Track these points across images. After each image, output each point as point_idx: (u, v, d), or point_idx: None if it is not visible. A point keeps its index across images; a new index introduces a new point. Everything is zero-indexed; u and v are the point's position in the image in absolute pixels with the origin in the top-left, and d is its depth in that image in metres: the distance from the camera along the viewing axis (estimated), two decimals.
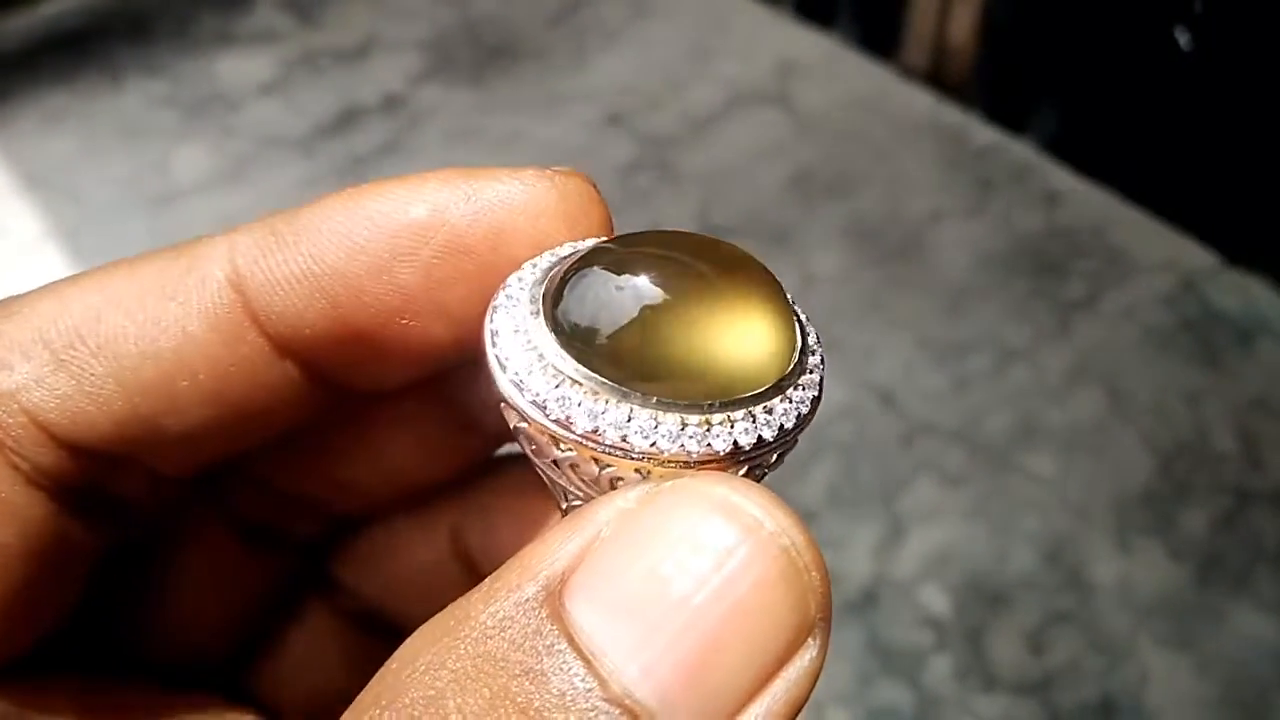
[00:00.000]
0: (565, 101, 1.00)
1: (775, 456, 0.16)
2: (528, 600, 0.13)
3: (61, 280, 0.18)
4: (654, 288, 0.15)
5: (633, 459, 0.15)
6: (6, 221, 0.88)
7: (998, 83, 0.96)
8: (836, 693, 0.61)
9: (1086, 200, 0.89)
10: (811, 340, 0.17)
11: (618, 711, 0.12)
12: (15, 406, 0.17)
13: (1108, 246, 0.85)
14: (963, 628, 0.64)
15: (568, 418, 0.15)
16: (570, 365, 0.15)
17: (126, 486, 0.19)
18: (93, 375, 0.17)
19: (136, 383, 0.17)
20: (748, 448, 0.15)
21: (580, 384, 0.15)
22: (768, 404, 0.15)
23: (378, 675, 0.14)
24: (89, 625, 0.20)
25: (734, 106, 0.98)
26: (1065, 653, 0.63)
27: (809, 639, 0.13)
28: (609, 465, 0.15)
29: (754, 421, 0.15)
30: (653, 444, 0.15)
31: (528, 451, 0.16)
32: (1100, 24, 0.87)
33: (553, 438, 0.15)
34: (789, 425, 0.16)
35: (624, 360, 0.15)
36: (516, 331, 0.16)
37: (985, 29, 0.96)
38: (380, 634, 0.23)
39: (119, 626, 0.21)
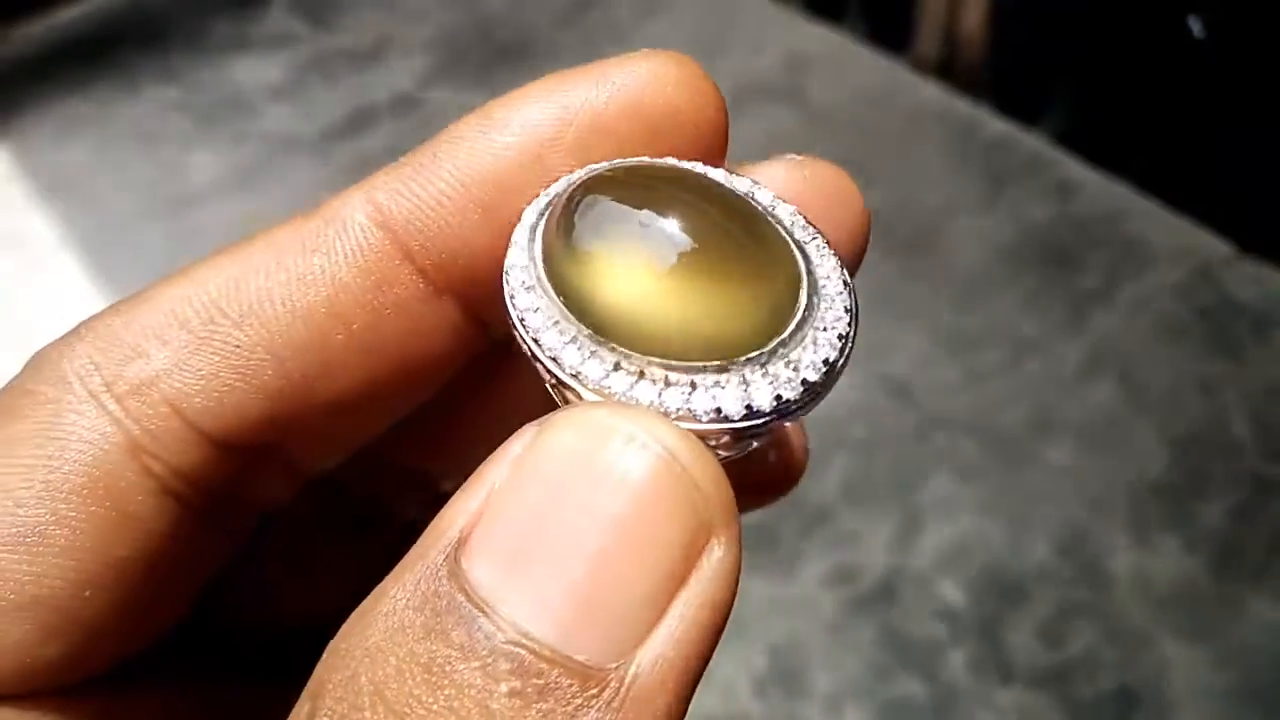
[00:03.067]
0: None
1: (757, 438, 0.16)
2: (430, 567, 0.13)
3: (191, 264, 0.17)
4: (681, 234, 0.15)
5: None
6: (23, 230, 0.88)
7: (1009, 74, 0.96)
8: (852, 686, 0.61)
9: (1100, 191, 0.89)
10: (834, 282, 0.16)
11: (521, 652, 0.12)
12: (155, 397, 0.16)
13: (1122, 237, 0.85)
14: (979, 620, 0.64)
15: (605, 388, 0.15)
16: (582, 332, 0.15)
17: (265, 488, 0.18)
18: (238, 347, 0.16)
19: (288, 345, 0.16)
20: (794, 401, 0.15)
21: (614, 349, 0.15)
22: (789, 357, 0.15)
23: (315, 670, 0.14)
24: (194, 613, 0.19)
25: (744, 102, 0.98)
26: (1082, 644, 0.62)
27: (711, 542, 0.13)
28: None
29: (796, 370, 0.15)
30: (689, 409, 0.14)
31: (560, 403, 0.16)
32: (1112, 13, 0.87)
33: (554, 382, 0.15)
34: (814, 378, 0.15)
35: (653, 318, 0.15)
36: (532, 292, 0.15)
37: (996, 20, 0.95)
38: None
39: (223, 608, 0.20)
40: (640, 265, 0.14)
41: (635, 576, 0.13)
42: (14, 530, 0.15)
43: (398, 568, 0.13)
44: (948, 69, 0.99)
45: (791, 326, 0.15)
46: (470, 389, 0.20)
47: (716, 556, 0.13)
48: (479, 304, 0.18)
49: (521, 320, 0.15)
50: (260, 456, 0.17)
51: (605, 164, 0.17)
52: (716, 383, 0.14)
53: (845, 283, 0.17)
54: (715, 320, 0.15)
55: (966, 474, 0.70)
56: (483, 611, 0.12)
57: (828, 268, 0.17)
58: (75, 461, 0.16)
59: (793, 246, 0.16)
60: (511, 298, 0.15)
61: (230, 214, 0.90)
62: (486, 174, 0.17)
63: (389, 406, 0.18)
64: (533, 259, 0.15)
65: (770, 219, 0.17)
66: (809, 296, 0.16)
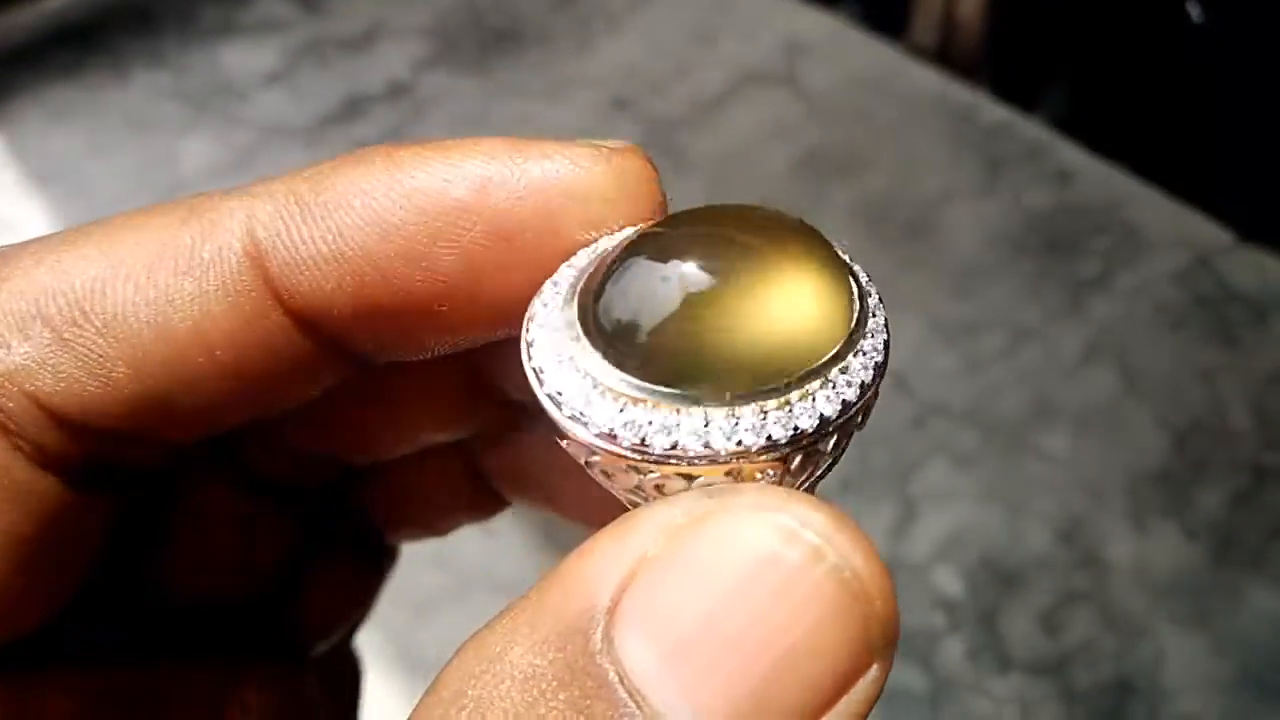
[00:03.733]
0: (570, 86, 0.99)
1: (860, 417, 0.15)
2: (576, 631, 0.12)
3: (52, 239, 0.17)
4: (700, 272, 0.14)
5: (721, 463, 0.14)
6: (14, 218, 0.88)
7: (1007, 60, 0.95)
8: None
9: (1098, 178, 0.88)
10: (873, 301, 0.16)
11: None
12: (14, 389, 0.16)
13: (1120, 224, 0.85)
14: (976, 609, 0.63)
15: (642, 440, 0.14)
16: (624, 381, 0.14)
17: (138, 457, 0.18)
18: (100, 356, 0.16)
19: (148, 362, 0.16)
20: (834, 416, 0.14)
21: (643, 400, 0.14)
22: (841, 364, 0.15)
23: (421, 702, 0.13)
24: (102, 580, 0.19)
25: (740, 88, 0.98)
26: (1080, 633, 0.62)
27: (869, 668, 0.13)
28: (698, 475, 0.14)
29: (833, 388, 0.14)
30: (739, 442, 0.14)
31: (600, 480, 0.15)
32: None
33: (632, 465, 0.14)
34: (868, 380, 0.15)
35: (680, 358, 0.14)
36: (560, 360, 0.14)
37: (993, 6, 0.95)
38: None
39: (133, 578, 0.20)
40: (662, 313, 0.14)
41: (797, 703, 0.12)
42: None
43: (518, 607, 0.13)
44: (945, 55, 0.99)
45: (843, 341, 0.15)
46: (363, 388, 0.20)
47: (869, 681, 0.13)
48: (344, 345, 0.17)
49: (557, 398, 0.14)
50: (127, 437, 0.17)
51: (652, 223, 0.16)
52: (786, 404, 0.14)
53: (881, 303, 0.16)
54: (762, 344, 0.14)
55: (964, 462, 0.70)
56: (636, 701, 0.12)
57: (872, 296, 0.16)
58: None
59: (844, 266, 0.16)
60: (539, 372, 0.15)
61: None
62: (367, 252, 0.16)
63: (253, 412, 0.18)
64: (564, 331, 0.15)
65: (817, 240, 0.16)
66: (859, 312, 0.16)
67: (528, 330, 0.15)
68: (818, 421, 0.14)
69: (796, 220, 0.16)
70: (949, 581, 0.64)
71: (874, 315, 0.16)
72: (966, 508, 0.68)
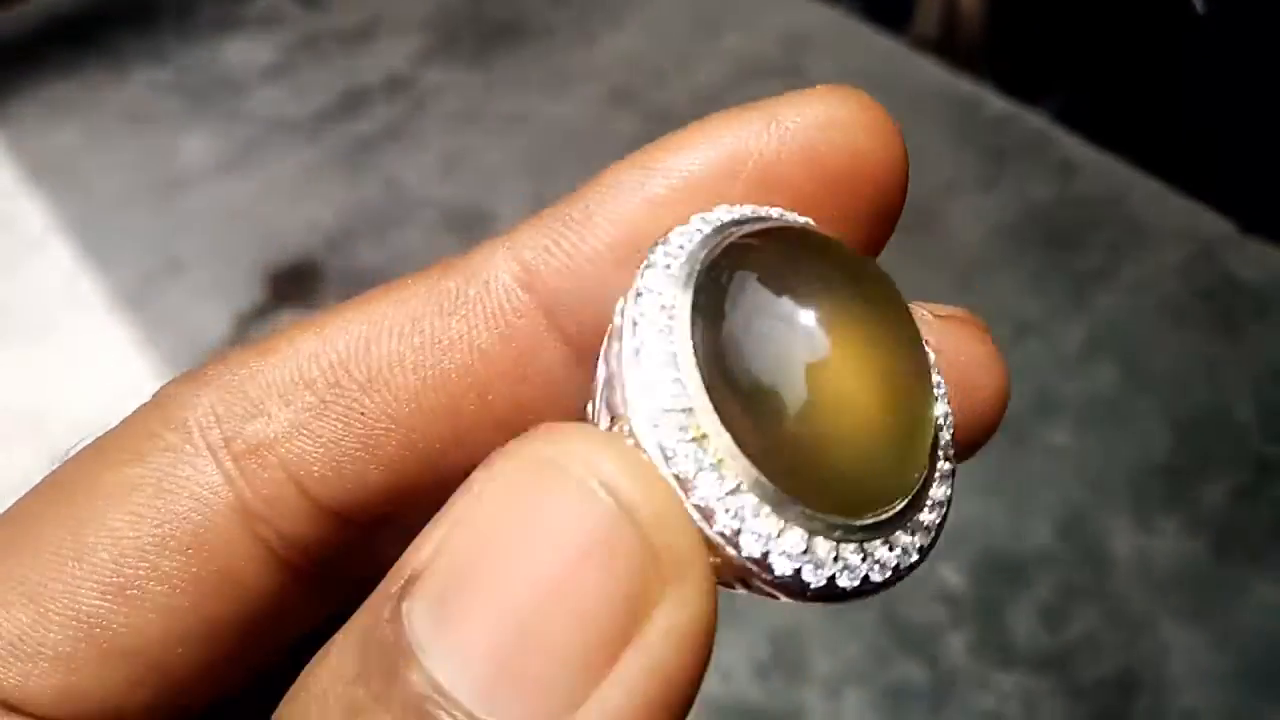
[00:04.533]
0: (571, 79, 0.99)
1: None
2: (377, 603, 0.12)
3: (322, 313, 0.16)
4: (819, 331, 0.13)
5: (805, 599, 0.13)
6: (13, 214, 0.88)
7: (1010, 52, 0.95)
8: (852, 670, 0.61)
9: (1101, 170, 0.88)
10: (941, 410, 0.15)
11: (433, 710, 0.11)
12: (272, 460, 0.15)
13: (1123, 217, 0.84)
14: (979, 603, 0.63)
15: (735, 533, 0.13)
16: (737, 459, 0.13)
17: (378, 556, 0.16)
18: (363, 413, 0.15)
19: (416, 414, 0.15)
20: (903, 570, 0.14)
21: (746, 491, 0.13)
22: (910, 522, 0.14)
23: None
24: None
25: (742, 81, 0.97)
26: (1083, 627, 0.62)
27: (662, 604, 0.12)
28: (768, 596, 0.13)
29: (902, 548, 0.14)
30: (830, 578, 0.13)
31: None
32: None
33: (710, 540, 0.13)
34: (925, 543, 0.14)
35: (795, 456, 0.13)
36: (674, 390, 0.13)
37: None
38: None
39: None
40: (793, 394, 0.13)
41: (566, 641, 0.11)
42: (116, 580, 0.14)
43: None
44: (947, 47, 0.98)
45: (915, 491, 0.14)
46: None
47: (665, 619, 0.12)
48: None
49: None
50: (375, 526, 0.16)
51: (736, 217, 0.15)
52: (887, 543, 0.13)
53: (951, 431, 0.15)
54: (867, 463, 0.13)
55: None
56: (410, 658, 0.11)
57: (943, 407, 0.15)
58: (184, 518, 0.15)
59: (929, 364, 0.15)
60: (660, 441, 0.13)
61: (222, 195, 0.89)
62: (645, 230, 0.15)
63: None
64: (683, 373, 0.13)
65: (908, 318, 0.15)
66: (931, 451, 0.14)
67: (638, 297, 0.13)
68: (888, 577, 0.14)
69: (883, 275, 0.15)
70: (951, 575, 0.64)
71: (941, 459, 0.15)
72: (969, 501, 0.68)
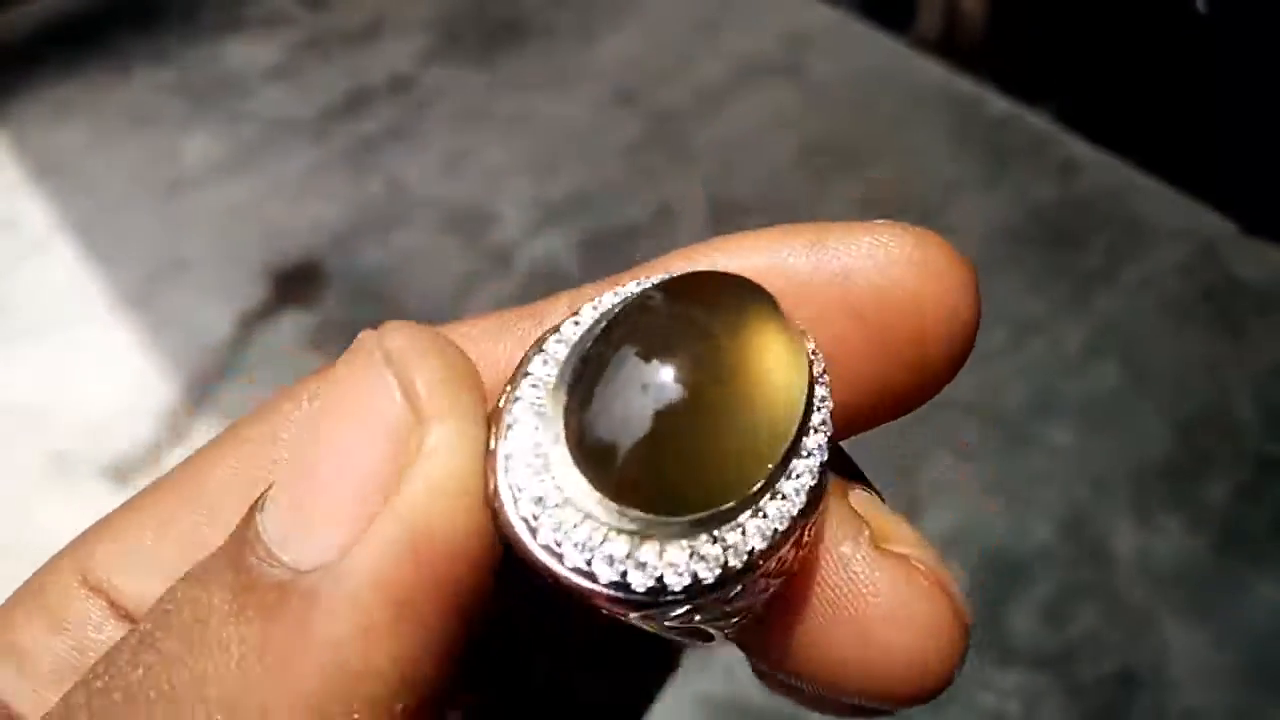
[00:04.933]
0: (573, 79, 0.99)
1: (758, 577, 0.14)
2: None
3: None
4: (675, 384, 0.13)
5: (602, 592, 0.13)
6: (17, 214, 0.88)
7: (1011, 52, 0.95)
8: None
9: (1103, 170, 0.88)
10: (819, 418, 0.15)
11: (248, 551, 0.13)
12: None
13: (1125, 216, 0.84)
14: (980, 602, 0.63)
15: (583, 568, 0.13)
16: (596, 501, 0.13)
17: None
18: None
19: None
20: (710, 580, 0.13)
21: (602, 524, 0.13)
22: (730, 525, 0.14)
23: None
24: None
25: (744, 80, 0.97)
26: (1084, 626, 0.62)
27: (419, 449, 0.12)
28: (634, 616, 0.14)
29: (703, 552, 0.13)
30: (624, 575, 0.13)
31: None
32: None
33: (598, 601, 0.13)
34: (759, 546, 0.14)
35: (628, 479, 0.13)
36: (536, 459, 0.13)
37: None
38: None
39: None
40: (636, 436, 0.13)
41: (339, 493, 0.12)
42: None
43: None
44: (949, 47, 0.98)
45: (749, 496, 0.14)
46: None
47: (418, 474, 0.12)
48: None
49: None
50: None
51: (647, 287, 0.15)
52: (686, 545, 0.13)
53: (822, 466, 0.15)
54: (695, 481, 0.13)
55: (968, 455, 0.70)
56: (251, 517, 0.13)
57: (814, 442, 0.15)
58: None
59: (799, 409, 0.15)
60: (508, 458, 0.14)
61: (226, 196, 0.89)
62: None
63: None
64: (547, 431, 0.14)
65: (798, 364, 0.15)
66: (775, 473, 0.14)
67: (512, 403, 0.14)
68: (688, 581, 0.13)
69: (769, 301, 0.15)
70: (953, 574, 0.64)
71: (807, 448, 0.15)
72: (970, 501, 0.68)
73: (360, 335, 0.14)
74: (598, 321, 0.14)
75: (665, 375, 0.13)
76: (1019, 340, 0.76)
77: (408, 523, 0.12)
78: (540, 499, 0.13)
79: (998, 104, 0.94)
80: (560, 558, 0.13)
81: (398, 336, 0.13)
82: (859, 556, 0.15)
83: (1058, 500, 0.67)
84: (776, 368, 0.14)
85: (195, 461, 0.17)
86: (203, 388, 0.75)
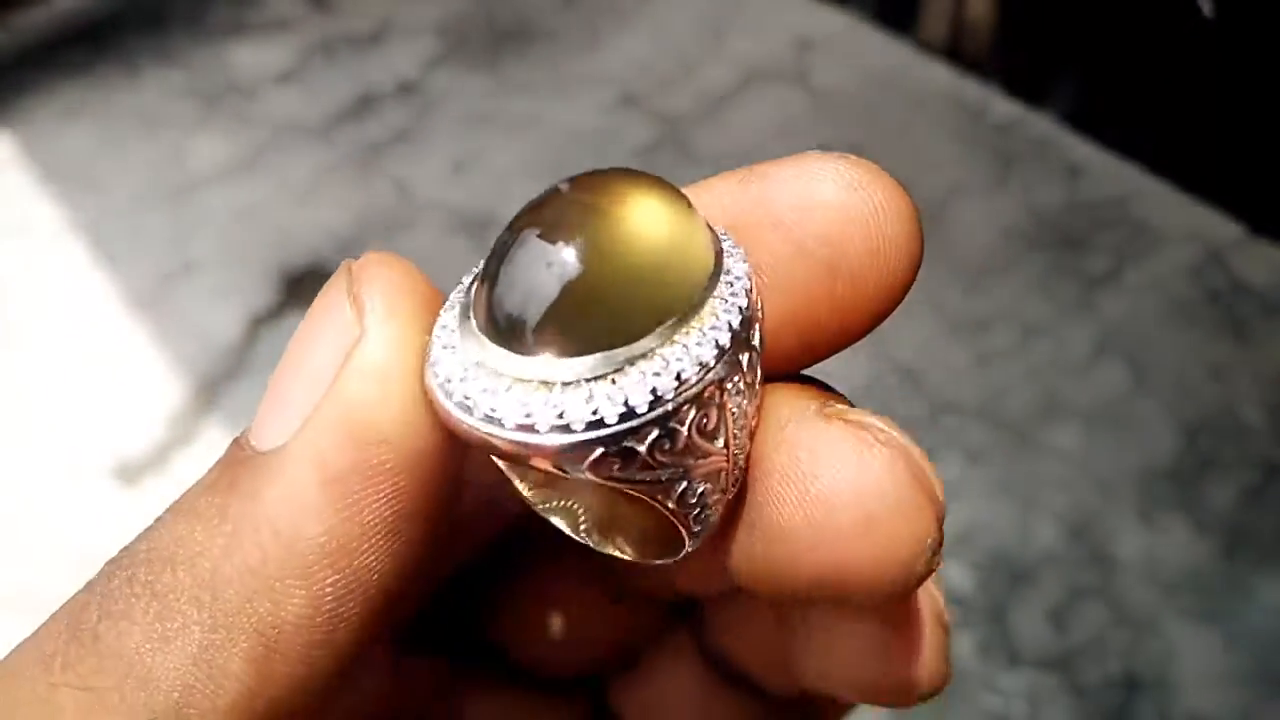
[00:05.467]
0: (580, 84, 0.99)
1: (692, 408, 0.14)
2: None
3: None
4: (575, 262, 0.14)
5: (518, 442, 0.14)
6: (28, 216, 0.88)
7: (1017, 55, 0.95)
8: None
9: (1109, 173, 0.88)
10: (733, 263, 0.15)
11: (236, 444, 0.15)
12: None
13: (1131, 219, 0.84)
14: (986, 604, 0.63)
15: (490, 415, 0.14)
16: (512, 363, 0.14)
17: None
18: None
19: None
20: (643, 408, 0.13)
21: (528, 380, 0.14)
22: (662, 352, 0.14)
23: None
24: (455, 620, 0.20)
25: (750, 84, 0.98)
26: (1089, 628, 0.62)
27: (364, 323, 0.14)
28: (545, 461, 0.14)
29: (645, 374, 0.14)
30: (529, 422, 0.13)
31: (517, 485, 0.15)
32: None
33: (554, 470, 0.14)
34: (724, 341, 0.14)
35: (559, 343, 0.14)
36: (446, 348, 0.14)
37: (1004, 2, 0.94)
38: (735, 685, 0.21)
39: (489, 628, 0.21)
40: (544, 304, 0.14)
41: (293, 384, 0.14)
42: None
43: None
44: (955, 50, 0.99)
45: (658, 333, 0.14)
46: None
47: (352, 362, 0.14)
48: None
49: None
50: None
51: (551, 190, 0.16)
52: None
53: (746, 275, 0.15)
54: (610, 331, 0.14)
55: (974, 458, 0.70)
56: (246, 430, 0.15)
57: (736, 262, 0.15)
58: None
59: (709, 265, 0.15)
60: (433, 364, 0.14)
61: (234, 198, 0.89)
62: None
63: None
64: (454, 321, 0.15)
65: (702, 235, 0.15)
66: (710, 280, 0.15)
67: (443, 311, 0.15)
68: (621, 412, 0.13)
69: (667, 187, 0.15)
70: (959, 576, 0.64)
71: (721, 297, 0.15)
72: (977, 503, 0.68)
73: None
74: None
75: (566, 252, 0.14)
76: (1024, 343, 0.76)
77: (339, 408, 0.14)
78: (463, 378, 0.14)
79: (1003, 107, 0.94)
80: (499, 422, 0.13)
81: (365, 259, 0.15)
82: (806, 429, 0.15)
83: (1063, 503, 0.68)
84: (677, 236, 0.15)
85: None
86: (212, 389, 0.76)
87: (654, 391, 0.13)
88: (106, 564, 0.14)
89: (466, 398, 0.14)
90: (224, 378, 0.76)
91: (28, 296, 0.83)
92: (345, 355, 0.14)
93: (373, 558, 0.14)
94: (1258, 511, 0.67)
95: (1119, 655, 0.61)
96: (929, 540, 0.15)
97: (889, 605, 0.17)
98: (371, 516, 0.14)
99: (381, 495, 0.14)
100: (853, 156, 0.16)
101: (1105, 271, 0.81)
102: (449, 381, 0.14)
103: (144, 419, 0.74)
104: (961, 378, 0.74)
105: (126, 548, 0.14)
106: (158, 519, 0.14)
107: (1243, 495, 0.68)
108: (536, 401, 0.13)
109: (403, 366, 0.14)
